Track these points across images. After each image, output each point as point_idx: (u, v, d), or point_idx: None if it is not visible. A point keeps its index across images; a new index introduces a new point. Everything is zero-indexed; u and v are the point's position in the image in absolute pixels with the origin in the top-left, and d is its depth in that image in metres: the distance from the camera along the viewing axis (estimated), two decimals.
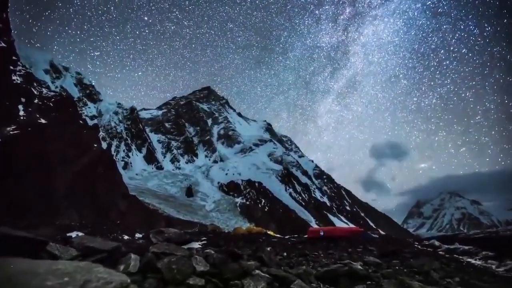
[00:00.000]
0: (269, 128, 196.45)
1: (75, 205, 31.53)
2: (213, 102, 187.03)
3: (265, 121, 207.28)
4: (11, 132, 31.10)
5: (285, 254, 10.07)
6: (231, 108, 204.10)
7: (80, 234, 11.06)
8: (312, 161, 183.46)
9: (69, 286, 1.80)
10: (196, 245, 10.35)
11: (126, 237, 11.53)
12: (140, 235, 14.08)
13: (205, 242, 11.83)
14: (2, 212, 22.36)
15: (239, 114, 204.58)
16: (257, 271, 3.91)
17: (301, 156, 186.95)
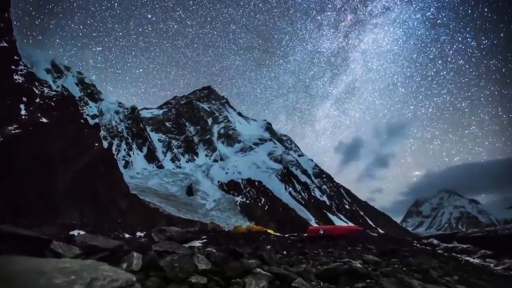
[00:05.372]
0: (269, 127, 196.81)
1: (76, 204, 31.54)
2: (213, 102, 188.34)
3: (265, 120, 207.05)
4: (12, 132, 31.08)
5: (285, 252, 10.12)
6: (231, 107, 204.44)
7: (82, 232, 11.07)
8: (312, 160, 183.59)
9: (76, 284, 1.83)
10: (197, 243, 10.40)
11: (127, 235, 11.57)
12: (141, 234, 14.13)
13: (205, 240, 11.87)
14: (4, 211, 22.37)
15: (239, 114, 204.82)
16: (258, 270, 3.94)
17: (301, 155, 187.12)
